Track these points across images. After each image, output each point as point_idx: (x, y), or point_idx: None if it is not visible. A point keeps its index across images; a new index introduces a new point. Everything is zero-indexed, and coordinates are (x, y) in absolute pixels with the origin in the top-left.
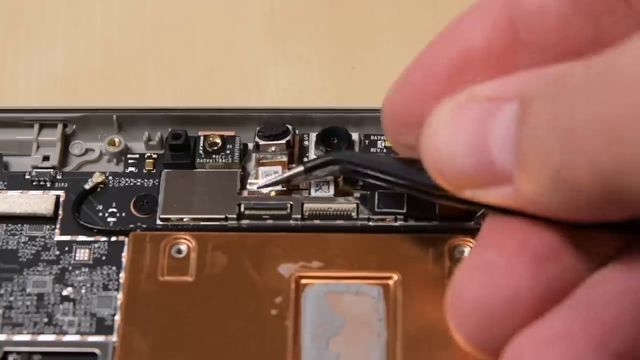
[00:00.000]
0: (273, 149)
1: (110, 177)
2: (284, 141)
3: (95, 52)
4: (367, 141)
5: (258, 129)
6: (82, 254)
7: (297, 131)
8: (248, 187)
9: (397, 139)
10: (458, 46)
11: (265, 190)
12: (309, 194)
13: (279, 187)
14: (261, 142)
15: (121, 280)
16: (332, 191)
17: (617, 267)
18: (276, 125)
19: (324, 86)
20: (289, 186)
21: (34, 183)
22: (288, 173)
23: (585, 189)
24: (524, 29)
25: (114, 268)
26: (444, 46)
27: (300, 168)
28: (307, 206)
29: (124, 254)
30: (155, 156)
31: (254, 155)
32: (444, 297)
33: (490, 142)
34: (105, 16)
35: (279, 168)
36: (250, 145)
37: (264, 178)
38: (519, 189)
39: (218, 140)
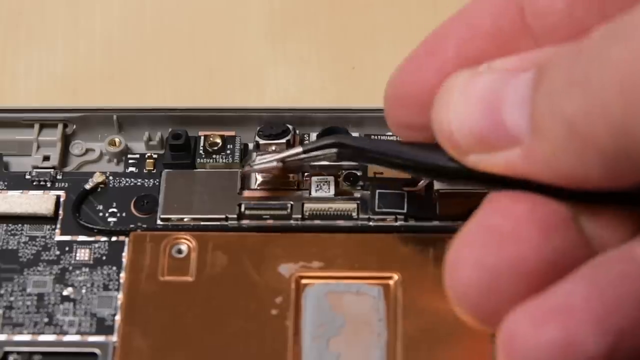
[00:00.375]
0: (273, 148)
1: (111, 177)
2: (284, 140)
3: (95, 52)
4: None
5: (258, 128)
6: (82, 254)
7: (297, 131)
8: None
9: (399, 120)
10: (467, 28)
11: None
12: (310, 194)
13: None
14: (261, 142)
15: (121, 280)
16: (332, 191)
17: (627, 248)
18: (276, 125)
19: (324, 86)
20: (285, 172)
21: (34, 183)
22: (286, 152)
23: (599, 143)
24: (531, 13)
25: (114, 268)
26: (452, 27)
27: (299, 149)
28: (308, 206)
29: (124, 254)
30: (155, 156)
31: (254, 154)
32: (444, 297)
33: (503, 104)
34: (105, 16)
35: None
36: (251, 145)
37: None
38: (530, 149)
39: (218, 140)
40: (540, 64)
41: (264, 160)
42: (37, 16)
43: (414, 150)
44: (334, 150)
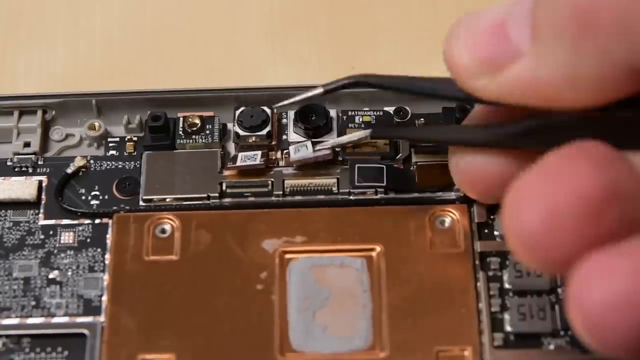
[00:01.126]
0: (253, 139)
1: (92, 161)
2: (264, 132)
3: (95, 52)
4: (344, 117)
5: (237, 116)
6: (66, 237)
7: (275, 110)
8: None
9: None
10: None
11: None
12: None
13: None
14: (241, 133)
15: (107, 262)
16: (310, 149)
17: None
18: (255, 112)
19: None
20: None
21: (16, 169)
22: (306, 94)
23: (603, 37)
24: None
25: (99, 250)
26: None
27: (320, 90)
28: (288, 182)
29: (109, 236)
30: (135, 139)
31: (273, 108)
32: (426, 266)
33: (508, 23)
34: (105, 16)
35: (258, 153)
36: (229, 125)
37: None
38: (534, 58)
39: (197, 121)
40: None
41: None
42: (37, 16)
43: (428, 82)
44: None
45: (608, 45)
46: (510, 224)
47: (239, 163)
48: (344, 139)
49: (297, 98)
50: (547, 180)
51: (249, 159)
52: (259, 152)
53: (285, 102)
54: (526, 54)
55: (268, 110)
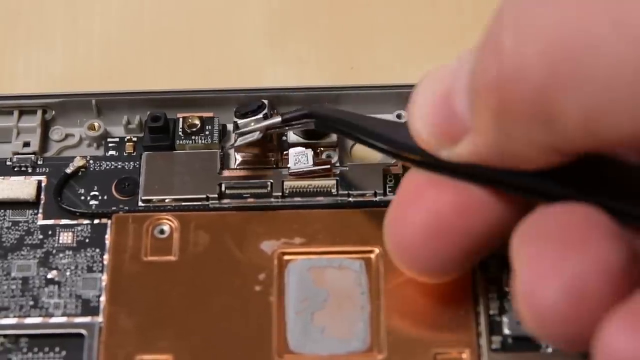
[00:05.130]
0: (252, 124)
1: (91, 161)
2: (261, 115)
3: (94, 52)
4: None
5: (235, 109)
6: (65, 237)
7: (275, 110)
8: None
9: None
10: None
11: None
12: (288, 167)
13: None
14: (240, 121)
15: (105, 262)
16: (310, 161)
17: None
18: (252, 103)
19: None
20: (264, 151)
21: (15, 169)
22: (265, 122)
23: (521, 121)
24: None
25: (97, 250)
26: None
27: (278, 119)
28: (287, 184)
29: (107, 236)
30: (135, 139)
31: (233, 135)
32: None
33: (454, 95)
34: (104, 16)
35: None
36: (230, 127)
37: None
38: (477, 136)
39: (197, 122)
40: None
41: (247, 130)
42: (36, 16)
43: (389, 130)
44: (312, 120)
45: (527, 129)
46: (530, 303)
47: (238, 143)
48: (264, 123)
49: (257, 126)
50: (565, 254)
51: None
52: (256, 133)
53: (244, 140)
54: (470, 129)
55: (265, 101)
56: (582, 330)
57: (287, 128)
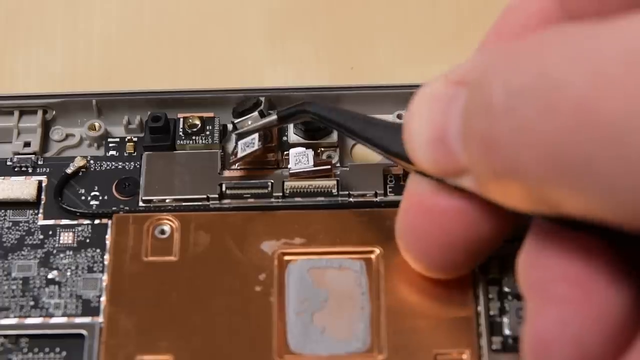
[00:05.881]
0: (250, 122)
1: (92, 162)
2: (256, 113)
3: (94, 52)
4: None
5: (233, 109)
6: (66, 238)
7: (275, 109)
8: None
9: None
10: (519, 15)
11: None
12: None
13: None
14: (236, 121)
15: (106, 262)
16: (311, 162)
17: None
18: (247, 100)
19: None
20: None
21: (16, 169)
22: (262, 121)
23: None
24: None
25: (98, 250)
26: (509, 16)
27: (274, 117)
28: (288, 184)
29: (108, 236)
30: (135, 139)
31: (233, 135)
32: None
33: (449, 132)
34: (104, 17)
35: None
36: (230, 127)
37: (242, 128)
38: (474, 176)
39: (197, 122)
40: (472, 77)
41: (244, 130)
42: (36, 16)
43: (386, 138)
44: (307, 115)
45: (522, 201)
46: (538, 357)
47: (240, 154)
48: (260, 123)
49: (254, 126)
50: (569, 312)
51: (248, 146)
52: (256, 135)
53: (245, 128)
54: (467, 169)
55: (262, 99)
56: None
57: (285, 125)
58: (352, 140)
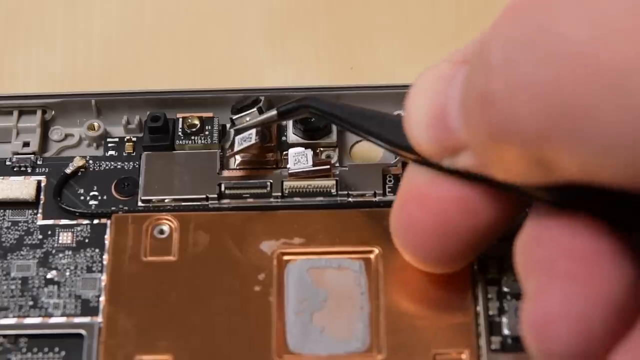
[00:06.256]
0: (248, 119)
1: (91, 161)
2: (255, 109)
3: (94, 52)
4: None
5: (232, 106)
6: (65, 238)
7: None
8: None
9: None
10: None
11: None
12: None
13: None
14: (235, 117)
15: (105, 262)
16: (310, 162)
17: None
18: (246, 98)
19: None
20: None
21: (15, 169)
22: (262, 117)
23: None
24: None
25: (97, 250)
26: None
27: (274, 112)
28: (287, 184)
29: (107, 236)
30: (134, 139)
31: (231, 133)
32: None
33: (449, 110)
34: (104, 17)
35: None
36: (229, 126)
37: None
38: (473, 153)
39: (196, 122)
40: (475, 51)
41: (244, 126)
42: (35, 16)
43: (385, 128)
44: (307, 110)
45: (520, 166)
46: (539, 340)
47: (236, 148)
48: (260, 118)
49: (254, 121)
50: (572, 291)
51: (245, 140)
52: (254, 131)
53: (244, 124)
54: (466, 146)
55: (262, 97)
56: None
57: (284, 122)
58: (351, 139)
